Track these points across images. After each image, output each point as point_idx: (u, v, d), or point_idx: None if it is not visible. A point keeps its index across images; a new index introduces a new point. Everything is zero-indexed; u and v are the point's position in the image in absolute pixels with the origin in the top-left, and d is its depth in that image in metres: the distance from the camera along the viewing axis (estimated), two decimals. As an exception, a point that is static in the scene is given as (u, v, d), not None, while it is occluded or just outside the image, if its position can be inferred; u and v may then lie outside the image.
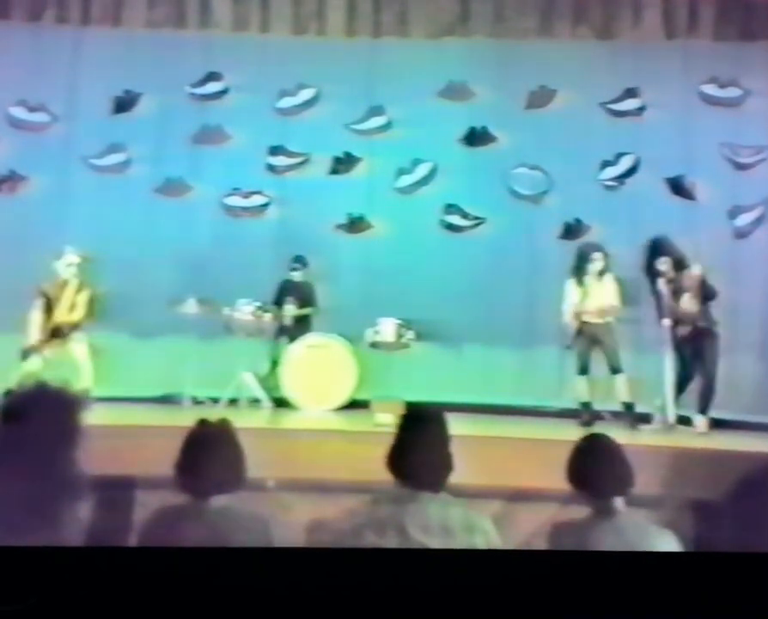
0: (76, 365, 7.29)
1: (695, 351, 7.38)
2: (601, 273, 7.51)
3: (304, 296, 8.34)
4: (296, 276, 8.37)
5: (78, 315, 7.48)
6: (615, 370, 7.44)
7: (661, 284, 7.30)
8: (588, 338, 7.50)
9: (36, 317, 7.38)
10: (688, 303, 7.33)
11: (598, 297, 7.46)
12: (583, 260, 7.53)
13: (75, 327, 7.46)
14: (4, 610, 1.95)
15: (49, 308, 7.42)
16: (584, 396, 7.56)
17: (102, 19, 8.56)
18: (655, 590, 2.13)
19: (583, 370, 7.54)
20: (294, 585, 2.09)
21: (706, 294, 7.35)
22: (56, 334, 7.41)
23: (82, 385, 6.84)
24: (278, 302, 8.26)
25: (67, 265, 7.49)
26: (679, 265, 7.38)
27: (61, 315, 7.44)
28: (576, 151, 8.47)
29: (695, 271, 7.34)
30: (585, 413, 7.46)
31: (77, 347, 7.41)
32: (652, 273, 7.41)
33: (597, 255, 7.51)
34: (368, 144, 8.82)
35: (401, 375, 7.85)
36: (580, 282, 7.51)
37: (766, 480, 2.56)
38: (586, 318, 7.44)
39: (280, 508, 4.31)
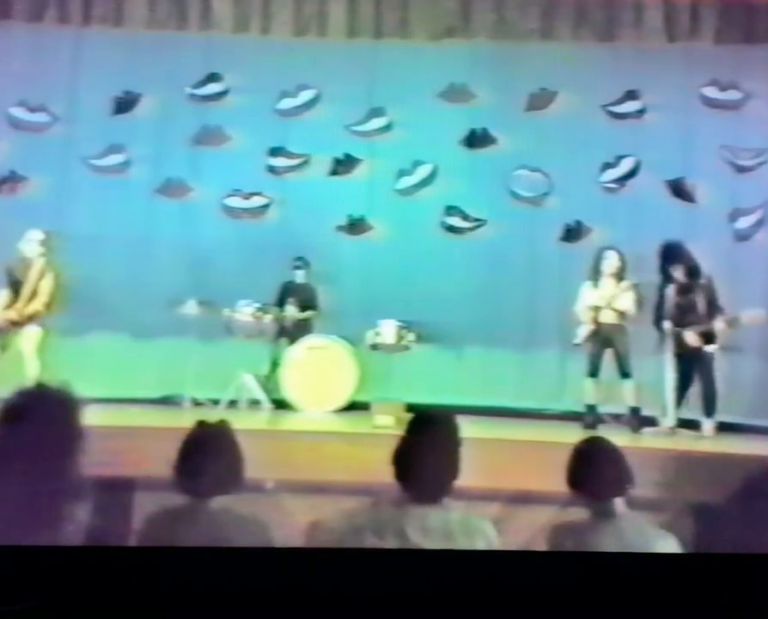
0: (21, 359, 7.09)
1: (692, 354, 7.33)
2: (619, 277, 7.46)
3: (306, 298, 8.33)
4: (299, 276, 8.37)
5: (39, 303, 7.17)
6: (625, 374, 7.41)
7: (671, 290, 7.25)
8: (601, 340, 7.45)
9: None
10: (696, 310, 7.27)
11: (614, 298, 7.41)
12: (597, 259, 7.52)
13: (32, 317, 7.16)
14: (4, 610, 1.94)
15: (16, 289, 7.20)
16: (591, 399, 7.52)
17: (103, 19, 8.53)
18: (654, 591, 2.12)
19: (593, 372, 7.50)
20: (292, 586, 2.08)
21: (712, 307, 7.31)
22: (14, 324, 7.18)
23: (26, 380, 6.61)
24: (280, 303, 8.26)
25: (30, 243, 7.24)
26: (692, 273, 7.33)
27: (22, 304, 7.16)
28: (576, 153, 8.46)
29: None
30: (589, 416, 7.42)
31: (27, 340, 7.14)
32: (665, 277, 7.36)
33: (609, 253, 7.49)
34: (368, 146, 8.81)
35: (401, 377, 7.83)
36: (595, 282, 7.49)
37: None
38: (601, 319, 7.41)
39: (279, 510, 4.30)
